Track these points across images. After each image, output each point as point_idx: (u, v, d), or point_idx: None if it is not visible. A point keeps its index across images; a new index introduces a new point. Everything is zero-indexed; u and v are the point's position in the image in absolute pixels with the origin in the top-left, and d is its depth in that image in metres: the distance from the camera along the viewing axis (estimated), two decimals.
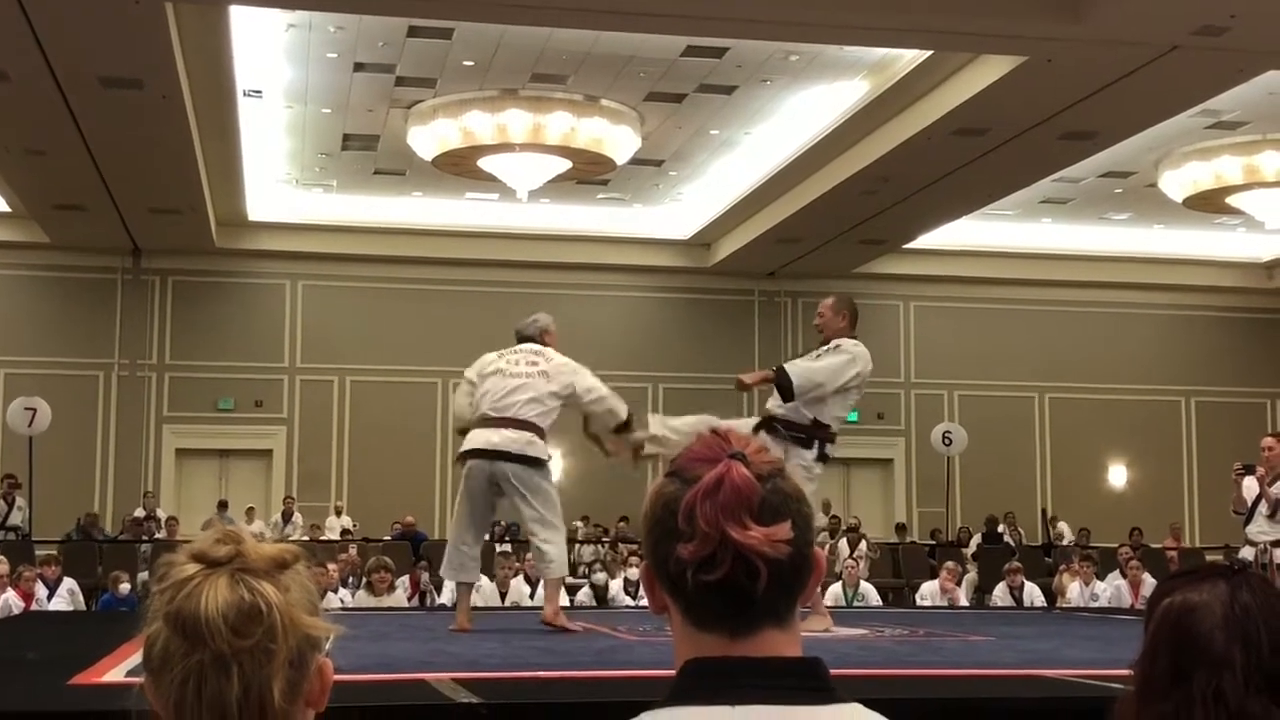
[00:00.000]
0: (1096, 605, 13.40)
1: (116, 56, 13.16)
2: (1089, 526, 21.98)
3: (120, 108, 14.49)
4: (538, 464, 7.48)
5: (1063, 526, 22.27)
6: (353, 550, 15.79)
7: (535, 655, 6.00)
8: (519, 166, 17.24)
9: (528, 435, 7.43)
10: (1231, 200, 18.78)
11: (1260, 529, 9.63)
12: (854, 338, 7.67)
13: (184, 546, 1.52)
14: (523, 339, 7.80)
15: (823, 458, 7.45)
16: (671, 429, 7.61)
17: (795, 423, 7.42)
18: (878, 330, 23.46)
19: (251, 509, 20.56)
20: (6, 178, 18.29)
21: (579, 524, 21.42)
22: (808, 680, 1.41)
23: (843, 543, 18.62)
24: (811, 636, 5.58)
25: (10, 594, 12.50)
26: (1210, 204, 19.24)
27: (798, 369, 7.49)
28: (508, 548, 16.90)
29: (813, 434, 7.41)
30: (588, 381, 7.61)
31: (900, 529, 22.67)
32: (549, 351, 7.68)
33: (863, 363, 7.52)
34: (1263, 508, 9.60)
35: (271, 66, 15.40)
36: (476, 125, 16.48)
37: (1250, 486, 9.75)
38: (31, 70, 13.46)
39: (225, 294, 22.21)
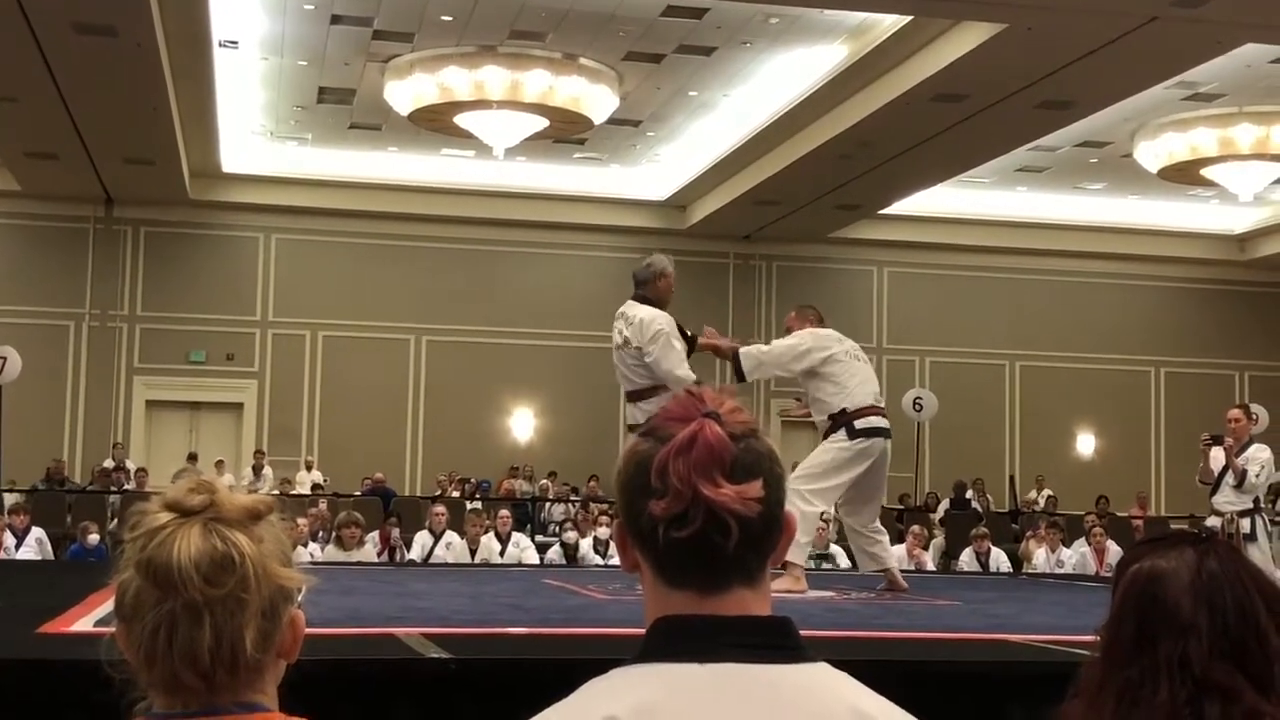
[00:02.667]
0: (1062, 572, 13.50)
1: (90, 3, 13.03)
2: (1056, 494, 22.13)
3: (94, 55, 14.35)
4: None
5: (1047, 491, 22.35)
6: (323, 505, 15.78)
7: (505, 612, 6.02)
8: (496, 124, 17.17)
9: None
10: (1206, 172, 18.84)
11: (1226, 499, 9.72)
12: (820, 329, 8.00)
13: (157, 495, 1.52)
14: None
15: (859, 434, 7.66)
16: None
17: (823, 425, 7.81)
18: (851, 296, 23.54)
19: (221, 462, 20.50)
20: None
21: (547, 481, 21.47)
22: (777, 639, 1.42)
23: None
24: (778, 597, 5.60)
25: None
26: (1185, 176, 19.30)
27: (749, 351, 7.86)
28: (478, 505, 16.91)
29: (837, 423, 7.71)
30: None
31: None
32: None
33: (812, 340, 7.81)
34: (1229, 478, 9.69)
35: (248, 17, 15.27)
36: (454, 81, 16.39)
37: (1217, 457, 9.84)
38: (4, 14, 13.31)
39: (198, 246, 22.09)
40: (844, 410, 7.68)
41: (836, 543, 15.89)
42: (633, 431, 7.33)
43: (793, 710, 1.37)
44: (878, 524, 8.16)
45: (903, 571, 8.61)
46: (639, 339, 7.51)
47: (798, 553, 7.59)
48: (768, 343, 8.22)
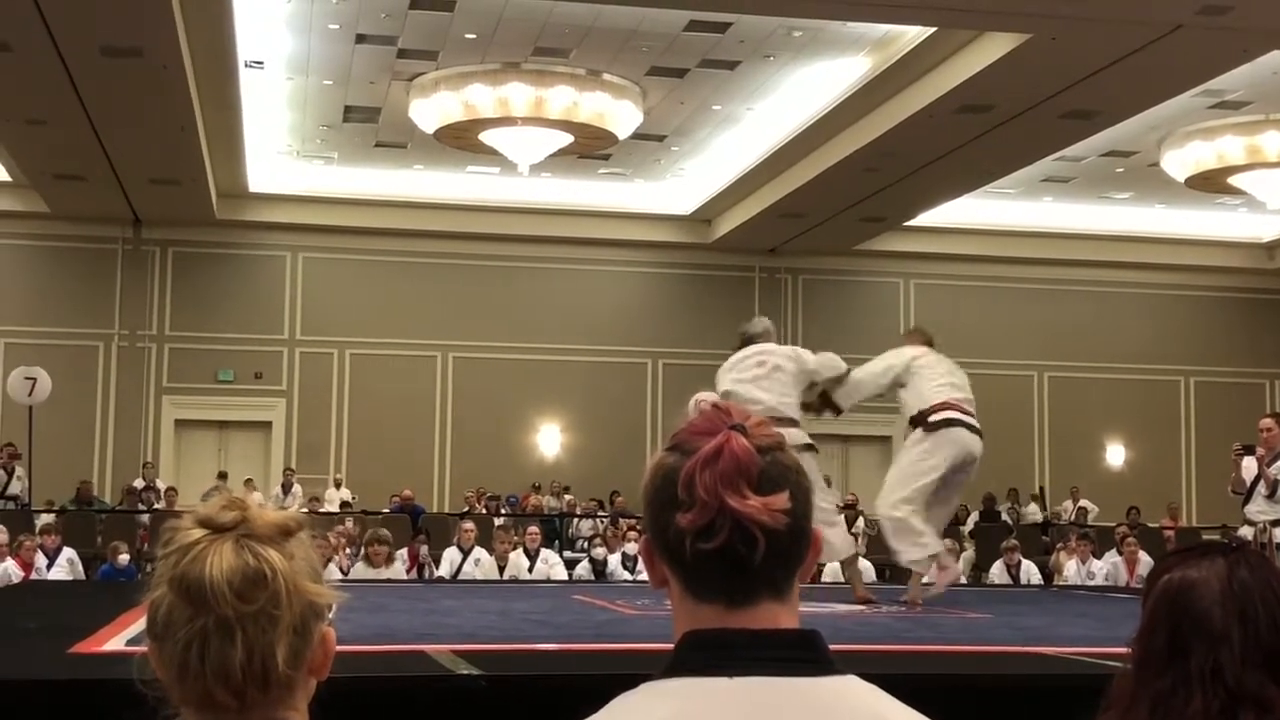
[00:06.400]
0: (1093, 583, 13.42)
1: (117, 25, 13.12)
2: (1086, 505, 22.03)
3: (121, 77, 14.44)
4: None
5: (1085, 502, 22.24)
6: (349, 523, 15.79)
7: (534, 628, 6.02)
8: (520, 140, 17.21)
9: None
10: (1233, 180, 18.75)
11: (1259, 509, 9.65)
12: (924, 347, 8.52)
13: (189, 512, 1.53)
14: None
15: (930, 427, 7.99)
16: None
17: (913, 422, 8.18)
18: (877, 308, 23.51)
19: (250, 480, 20.57)
20: (7, 147, 18.25)
21: (569, 496, 21.47)
22: (805, 652, 1.42)
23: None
24: (808, 611, 5.61)
25: (10, 563, 12.52)
26: (1212, 184, 19.21)
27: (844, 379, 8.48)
28: (507, 521, 16.91)
29: (914, 424, 8.15)
30: None
31: None
32: None
33: (892, 357, 8.44)
34: (1261, 488, 9.61)
35: (273, 37, 15.35)
36: (478, 98, 16.44)
37: (1249, 467, 9.77)
38: (33, 39, 13.41)
39: (225, 265, 22.19)
40: (919, 411, 8.07)
41: (866, 557, 15.85)
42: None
43: None
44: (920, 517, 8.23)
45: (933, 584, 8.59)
46: (797, 363, 8.18)
47: (927, 547, 8.00)
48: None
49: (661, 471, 1.45)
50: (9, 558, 12.57)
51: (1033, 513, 21.82)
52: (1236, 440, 10.25)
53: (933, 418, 7.98)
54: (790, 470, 1.44)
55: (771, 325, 8.52)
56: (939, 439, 7.94)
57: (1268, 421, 9.92)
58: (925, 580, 8.08)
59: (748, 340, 8.31)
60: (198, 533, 1.49)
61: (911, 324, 23.76)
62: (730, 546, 1.40)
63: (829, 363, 8.34)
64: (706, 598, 1.43)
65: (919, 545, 7.89)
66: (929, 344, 8.49)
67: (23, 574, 12.46)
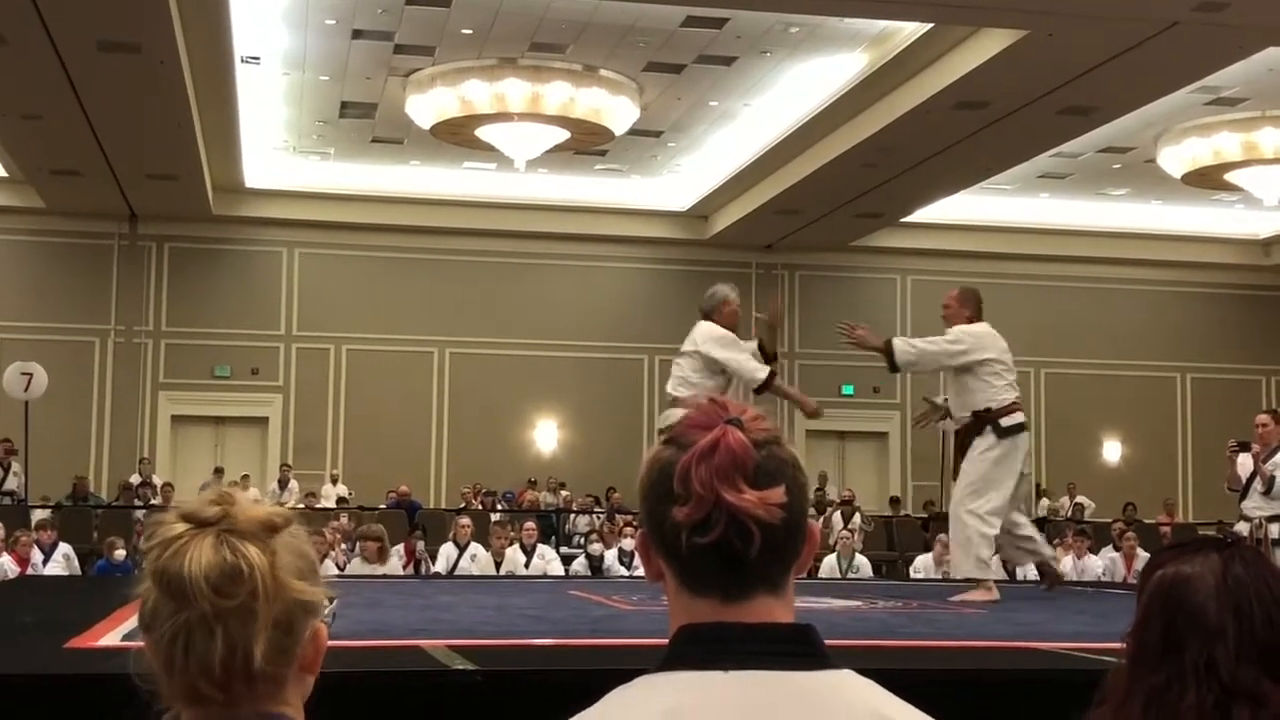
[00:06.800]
0: (1088, 579, 13.43)
1: (114, 20, 13.10)
2: (1083, 501, 22.05)
3: (117, 72, 14.43)
4: None
5: (1082, 498, 22.26)
6: (344, 519, 15.78)
7: (530, 624, 6.02)
8: (517, 136, 17.20)
9: None
10: (1230, 177, 18.76)
11: (1255, 505, 9.66)
12: (976, 321, 8.19)
13: (175, 506, 1.53)
14: None
15: (1005, 432, 7.88)
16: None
17: (965, 419, 8.02)
18: (874, 304, 23.50)
19: (246, 476, 20.56)
20: (3, 142, 18.23)
21: (566, 492, 21.47)
22: (801, 646, 1.42)
23: (836, 515, 18.67)
24: (803, 606, 5.61)
25: (5, 558, 12.53)
26: (1209, 180, 19.22)
27: (903, 346, 8.11)
28: (503, 516, 16.92)
29: (981, 420, 7.93)
30: None
31: (894, 502, 22.72)
32: None
33: (970, 340, 8.02)
34: (1257, 484, 9.63)
35: (270, 33, 15.34)
36: (475, 94, 16.43)
37: (1245, 463, 9.78)
38: (29, 34, 13.39)
39: (222, 261, 22.18)
40: (989, 409, 7.91)
41: (862, 552, 15.87)
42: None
43: (818, 717, 1.37)
44: (1015, 516, 8.19)
45: (931, 580, 8.62)
46: (697, 345, 7.88)
47: (984, 569, 7.87)
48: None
49: (658, 465, 1.45)
50: (5, 553, 12.58)
51: None
52: (1232, 437, 10.27)
53: (1005, 421, 7.92)
54: (786, 464, 1.44)
55: (712, 294, 8.14)
56: (1014, 444, 7.91)
57: (1263, 417, 9.94)
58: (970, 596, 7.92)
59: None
60: (180, 527, 1.49)
61: (909, 320, 23.92)
62: (726, 540, 1.40)
63: (734, 362, 7.89)
64: (702, 592, 1.43)
65: (979, 568, 7.79)
66: (979, 312, 8.28)
67: (19, 569, 12.46)
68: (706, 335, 7.92)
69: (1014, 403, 8.01)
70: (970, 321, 8.18)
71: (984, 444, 7.88)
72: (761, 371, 7.86)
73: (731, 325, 7.98)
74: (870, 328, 8.42)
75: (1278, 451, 9.76)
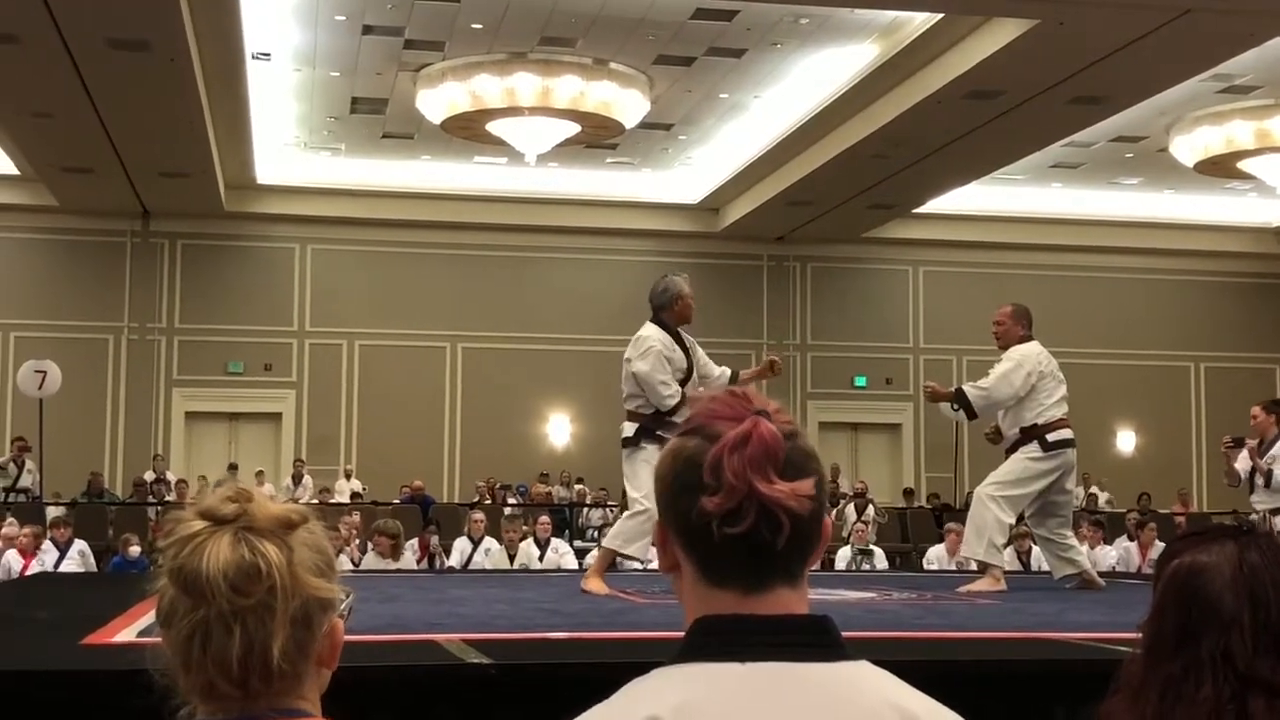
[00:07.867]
0: (1102, 570, 13.40)
1: (124, 18, 13.13)
2: (1097, 492, 22.00)
3: (128, 70, 14.45)
4: None
5: (1096, 489, 22.21)
6: (356, 515, 15.80)
7: (544, 617, 6.02)
8: (527, 130, 17.20)
9: None
10: (1243, 165, 18.70)
11: (1259, 498, 9.62)
12: (1029, 340, 8.30)
13: (192, 502, 1.53)
14: None
15: (1052, 447, 8.03)
16: None
17: (1012, 437, 8.14)
18: (886, 295, 23.49)
19: (261, 472, 20.62)
20: (15, 140, 18.28)
21: (580, 486, 21.49)
22: (818, 637, 1.42)
23: (850, 508, 18.66)
24: (817, 598, 5.61)
25: (10, 554, 12.58)
26: (1221, 169, 19.17)
27: (974, 393, 8.19)
28: (516, 510, 16.91)
29: (1029, 435, 8.07)
30: None
31: (908, 494, 22.70)
32: None
33: (1031, 363, 8.15)
34: (1258, 478, 9.59)
35: (280, 29, 15.35)
36: (485, 89, 16.43)
37: (1244, 458, 9.73)
38: (39, 32, 13.42)
39: (234, 257, 22.22)
40: (1035, 425, 8.04)
41: (876, 543, 15.86)
42: (626, 446, 7.55)
43: (836, 708, 1.37)
44: (1066, 530, 8.31)
45: (944, 572, 8.63)
46: (630, 352, 7.56)
47: (995, 555, 7.94)
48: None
49: (683, 455, 1.45)
50: (14, 549, 12.62)
51: None
52: (1240, 430, 10.20)
53: (1051, 436, 8.03)
54: (810, 457, 1.46)
55: (665, 289, 7.52)
56: (1058, 458, 8.01)
57: (1256, 410, 9.87)
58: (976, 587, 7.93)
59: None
60: (198, 524, 1.49)
61: (921, 312, 23.88)
62: (756, 531, 1.40)
63: (648, 384, 7.62)
64: (722, 584, 1.43)
65: (990, 553, 7.89)
66: (1030, 328, 8.34)
67: (23, 562, 12.48)
68: (638, 347, 7.55)
69: (1061, 419, 8.11)
70: (1023, 340, 8.28)
71: (1029, 450, 8.04)
72: (669, 401, 7.46)
73: (685, 320, 7.51)
74: (936, 385, 8.82)
75: (1275, 443, 9.70)
